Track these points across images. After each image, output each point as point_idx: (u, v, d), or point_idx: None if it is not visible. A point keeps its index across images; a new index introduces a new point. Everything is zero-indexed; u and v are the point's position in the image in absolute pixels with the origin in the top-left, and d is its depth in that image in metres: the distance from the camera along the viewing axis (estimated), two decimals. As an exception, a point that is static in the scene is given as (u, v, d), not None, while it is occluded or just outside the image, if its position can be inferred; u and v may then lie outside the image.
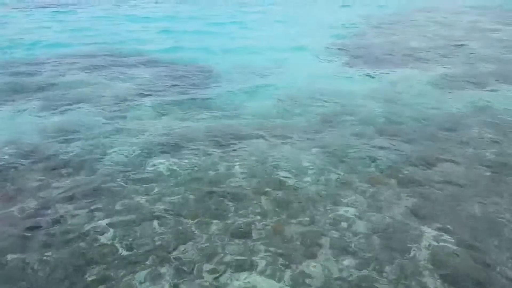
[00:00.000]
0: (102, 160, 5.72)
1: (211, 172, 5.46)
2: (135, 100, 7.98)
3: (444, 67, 10.44)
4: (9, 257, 3.93)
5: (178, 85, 8.91)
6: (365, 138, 6.45)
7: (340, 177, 5.37)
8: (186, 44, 13.25)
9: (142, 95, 8.28)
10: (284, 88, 8.79)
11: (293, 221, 4.51)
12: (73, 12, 19.83)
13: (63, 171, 5.44)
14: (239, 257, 3.96)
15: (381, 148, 6.14)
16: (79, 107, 7.59)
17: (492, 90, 8.73)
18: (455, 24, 17.17)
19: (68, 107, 7.59)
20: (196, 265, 3.86)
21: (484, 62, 10.99)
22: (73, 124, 6.86)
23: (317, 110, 7.59)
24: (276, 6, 22.99)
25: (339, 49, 12.55)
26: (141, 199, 4.85)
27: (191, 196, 4.92)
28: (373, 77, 9.71)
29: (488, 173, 5.48)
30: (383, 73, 10.02)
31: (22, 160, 5.70)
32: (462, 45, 13.14)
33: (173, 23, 17.22)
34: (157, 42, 13.42)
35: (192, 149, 6.05)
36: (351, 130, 6.76)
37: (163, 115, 7.30)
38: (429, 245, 4.12)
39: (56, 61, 10.74)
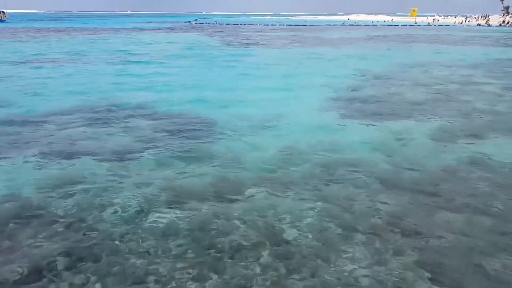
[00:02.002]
0: (99, 214, 5.68)
1: (210, 226, 5.41)
2: (135, 153, 8.07)
3: (441, 119, 10.70)
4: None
5: (178, 137, 9.08)
6: (366, 190, 6.46)
7: (342, 229, 5.30)
8: (186, 97, 13.66)
9: (142, 147, 8.39)
10: (284, 139, 8.95)
11: (295, 276, 4.40)
12: (75, 67, 20.64)
13: (60, 226, 5.38)
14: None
15: (383, 200, 6.13)
16: (79, 161, 7.65)
17: (488, 142, 8.87)
18: (449, 78, 17.84)
19: (68, 161, 7.66)
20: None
21: (479, 114, 11.28)
22: (72, 178, 6.88)
23: (317, 161, 7.67)
24: (274, 62, 24.03)
25: (337, 101, 12.95)
26: (139, 255, 4.77)
27: (190, 251, 4.84)
28: (371, 129, 9.92)
29: (490, 225, 5.43)
30: (381, 125, 10.25)
31: (19, 214, 5.66)
32: (457, 98, 13.57)
33: (173, 77, 17.92)
34: (157, 95, 13.82)
35: (192, 202, 6.04)
36: (352, 181, 6.79)
37: (163, 167, 7.36)
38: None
39: (56, 115, 10.95)
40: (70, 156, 7.89)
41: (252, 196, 6.26)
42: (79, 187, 6.53)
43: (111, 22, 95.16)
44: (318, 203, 6.02)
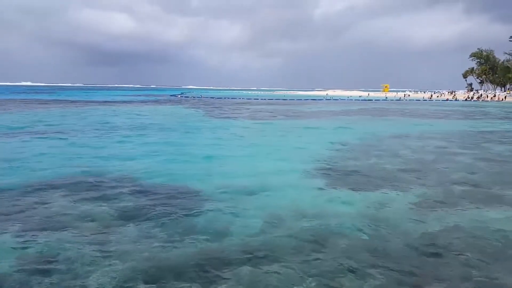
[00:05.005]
0: (77, 291, 5.39)
1: (193, 303, 5.16)
2: (118, 225, 7.87)
3: (420, 189, 11.00)
4: None
5: (162, 209, 8.94)
6: (353, 261, 6.37)
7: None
8: (170, 168, 13.72)
9: (125, 219, 8.19)
10: (269, 210, 8.94)
11: None
12: (59, 139, 20.71)
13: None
14: None
15: (369, 272, 6.04)
16: (60, 235, 7.37)
17: (465, 211, 9.08)
18: (424, 149, 18.68)
19: (48, 235, 7.37)
20: None
21: (455, 184, 11.68)
22: (52, 252, 6.58)
23: (302, 231, 7.62)
24: (257, 133, 24.81)
25: (319, 171, 13.24)
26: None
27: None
28: (354, 198, 10.06)
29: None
30: (363, 194, 10.44)
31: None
32: (433, 167, 14.12)
33: (157, 148, 18.10)
34: (140, 166, 13.80)
35: (175, 277, 5.81)
36: (338, 252, 6.72)
37: (146, 240, 7.14)
38: None
39: (36, 187, 10.69)
40: (49, 230, 7.59)
41: (238, 269, 6.08)
42: (59, 262, 6.24)
43: (100, 95, 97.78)
44: (305, 277, 5.87)
